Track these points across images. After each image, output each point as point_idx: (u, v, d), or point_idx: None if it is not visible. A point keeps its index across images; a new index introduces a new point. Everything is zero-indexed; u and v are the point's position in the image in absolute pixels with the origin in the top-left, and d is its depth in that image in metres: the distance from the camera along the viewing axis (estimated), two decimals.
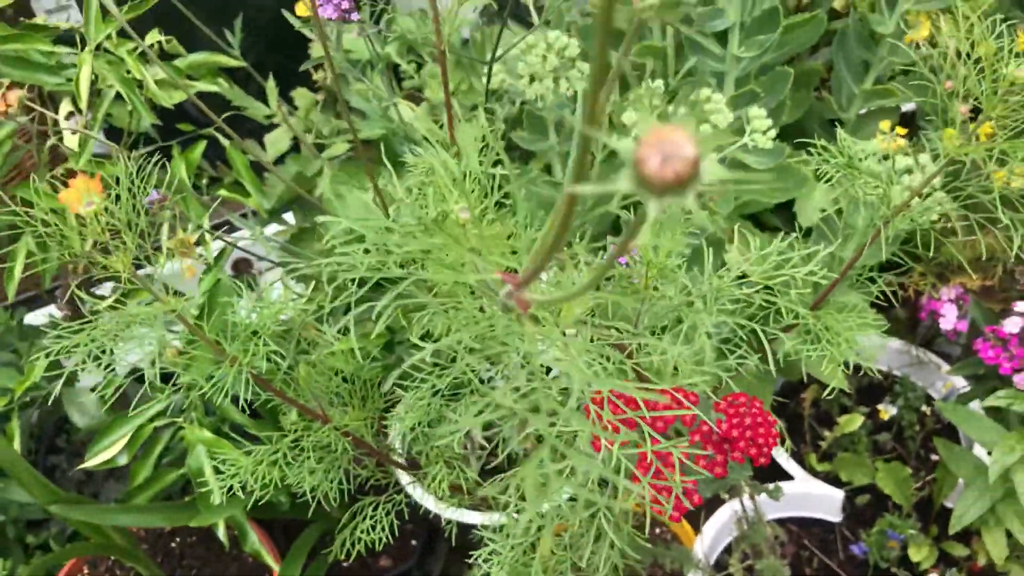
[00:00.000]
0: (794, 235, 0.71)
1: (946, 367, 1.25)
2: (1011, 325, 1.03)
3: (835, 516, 1.19)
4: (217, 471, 0.78)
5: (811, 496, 1.18)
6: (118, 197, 0.63)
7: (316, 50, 1.28)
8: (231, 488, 0.79)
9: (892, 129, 1.02)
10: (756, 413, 0.56)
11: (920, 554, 1.10)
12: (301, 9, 0.97)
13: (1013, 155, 0.62)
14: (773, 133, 0.80)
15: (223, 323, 0.71)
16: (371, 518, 0.83)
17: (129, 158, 0.65)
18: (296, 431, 0.75)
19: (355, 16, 0.74)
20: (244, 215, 1.56)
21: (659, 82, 0.82)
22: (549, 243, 0.29)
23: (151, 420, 1.03)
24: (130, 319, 0.60)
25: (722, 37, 0.89)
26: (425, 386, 0.69)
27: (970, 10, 1.12)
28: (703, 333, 0.54)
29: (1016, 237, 0.63)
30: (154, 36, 1.09)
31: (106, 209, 0.59)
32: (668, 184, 0.19)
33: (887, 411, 1.24)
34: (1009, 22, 0.65)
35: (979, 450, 1.12)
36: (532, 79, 0.88)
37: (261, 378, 0.67)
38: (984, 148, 0.64)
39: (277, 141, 1.26)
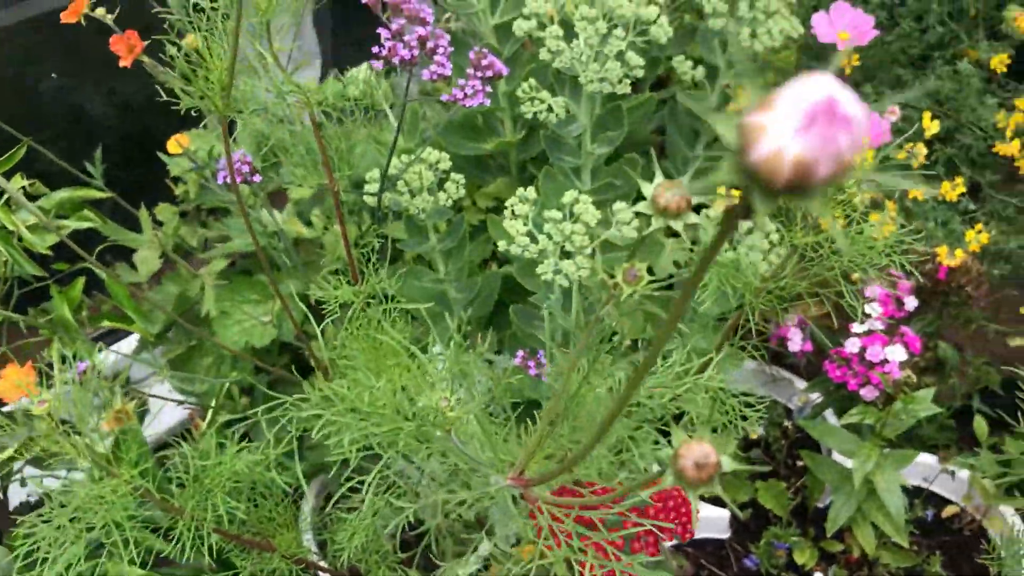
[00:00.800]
0: None
1: (798, 381, 1.40)
2: (851, 346, 1.17)
3: (725, 533, 1.31)
4: None
5: (701, 519, 1.29)
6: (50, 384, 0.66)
7: (175, 167, 1.30)
8: None
9: (727, 189, 1.14)
10: (676, 496, 0.65)
11: (804, 556, 1.23)
12: (174, 146, 1.00)
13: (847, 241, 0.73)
14: (636, 222, 0.90)
15: (165, 478, 0.74)
16: None
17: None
18: (247, 566, 0.79)
19: (257, 178, 0.79)
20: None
21: (531, 190, 0.90)
22: (560, 471, 0.37)
23: (69, 567, 1.03)
24: (98, 498, 0.63)
25: (576, 137, 0.98)
26: (367, 509, 0.75)
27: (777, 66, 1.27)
28: (625, 437, 0.62)
29: (858, 306, 0.74)
30: (19, 181, 1.09)
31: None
32: (701, 482, 0.27)
33: (755, 430, 1.37)
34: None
35: (838, 455, 1.26)
36: (412, 194, 0.95)
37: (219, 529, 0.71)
38: (822, 238, 0.75)
39: (147, 261, 1.28)
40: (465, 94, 0.73)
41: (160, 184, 1.43)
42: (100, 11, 0.78)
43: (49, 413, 0.63)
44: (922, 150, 1.13)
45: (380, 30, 0.75)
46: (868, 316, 1.21)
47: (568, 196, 0.87)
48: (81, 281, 1.12)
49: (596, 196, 1.03)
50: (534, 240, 0.87)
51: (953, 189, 1.10)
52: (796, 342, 1.31)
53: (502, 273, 1.12)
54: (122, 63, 0.74)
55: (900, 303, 1.21)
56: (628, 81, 0.85)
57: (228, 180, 0.75)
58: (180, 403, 1.19)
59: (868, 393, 1.17)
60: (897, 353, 1.15)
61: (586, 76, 0.84)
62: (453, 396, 0.44)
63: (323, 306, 0.90)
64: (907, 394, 1.07)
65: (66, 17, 0.78)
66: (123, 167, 1.55)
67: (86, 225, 1.15)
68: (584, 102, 0.93)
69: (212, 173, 1.00)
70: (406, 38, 0.73)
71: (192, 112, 1.20)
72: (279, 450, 0.70)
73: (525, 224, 0.88)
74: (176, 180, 1.37)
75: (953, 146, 1.25)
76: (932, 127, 1.15)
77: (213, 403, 1.10)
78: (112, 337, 1.49)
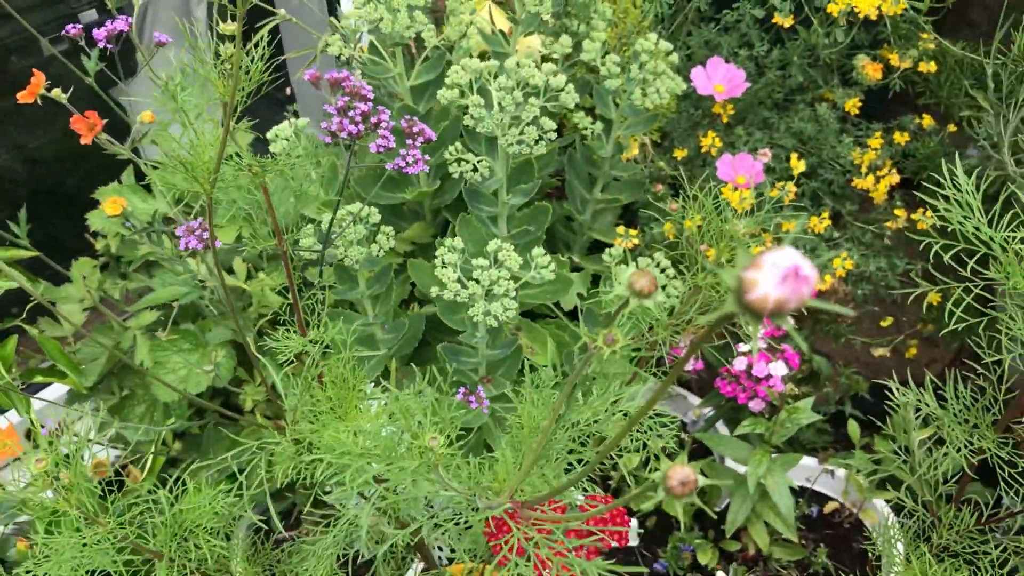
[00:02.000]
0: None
1: (691, 397, 1.53)
2: (739, 364, 1.31)
3: (634, 541, 1.42)
4: None
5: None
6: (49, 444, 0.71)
7: (95, 222, 1.34)
8: None
9: (626, 230, 1.26)
10: (613, 510, 0.75)
11: (706, 557, 1.36)
12: (112, 208, 1.05)
13: None
14: (553, 265, 1.01)
15: (139, 519, 0.80)
16: None
17: None
18: None
19: (218, 243, 0.85)
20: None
21: (458, 240, 0.99)
22: (552, 494, 0.46)
23: None
24: (89, 544, 0.69)
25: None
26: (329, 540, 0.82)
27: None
28: (569, 461, 0.72)
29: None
30: None
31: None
32: (684, 495, 0.37)
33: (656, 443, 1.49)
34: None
35: (731, 462, 1.39)
36: (346, 247, 1.03)
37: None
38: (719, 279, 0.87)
39: (71, 315, 1.31)
40: (407, 163, 0.82)
41: (74, 237, 1.46)
42: (56, 92, 0.83)
43: (46, 471, 0.68)
44: (792, 188, 1.28)
45: (326, 107, 0.83)
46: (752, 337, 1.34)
47: (492, 245, 0.97)
48: (14, 339, 1.16)
49: (513, 241, 1.13)
50: (464, 286, 0.96)
51: (820, 222, 1.25)
52: (689, 361, 1.44)
53: (425, 313, 1.21)
54: (83, 141, 0.80)
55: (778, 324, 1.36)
56: (544, 143, 0.95)
57: (190, 246, 0.82)
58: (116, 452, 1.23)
59: (756, 405, 1.31)
60: (779, 368, 1.29)
61: (506, 140, 0.94)
62: (442, 437, 0.53)
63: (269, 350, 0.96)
64: (791, 404, 1.21)
65: (23, 98, 0.83)
66: (35, 221, 1.57)
67: (13, 285, 1.18)
68: (500, 158, 1.03)
69: (151, 235, 1.06)
70: (351, 114, 0.81)
71: (102, 166, 1.24)
72: (252, 490, 0.76)
73: (455, 271, 0.97)
74: (95, 235, 1.40)
75: (817, 180, 1.41)
76: (799, 166, 1.30)
77: (152, 450, 1.15)
78: (27, 389, 1.50)
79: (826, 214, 1.28)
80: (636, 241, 1.24)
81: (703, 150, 1.30)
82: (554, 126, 0.95)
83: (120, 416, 1.24)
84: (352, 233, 1.00)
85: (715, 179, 1.27)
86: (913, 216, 1.36)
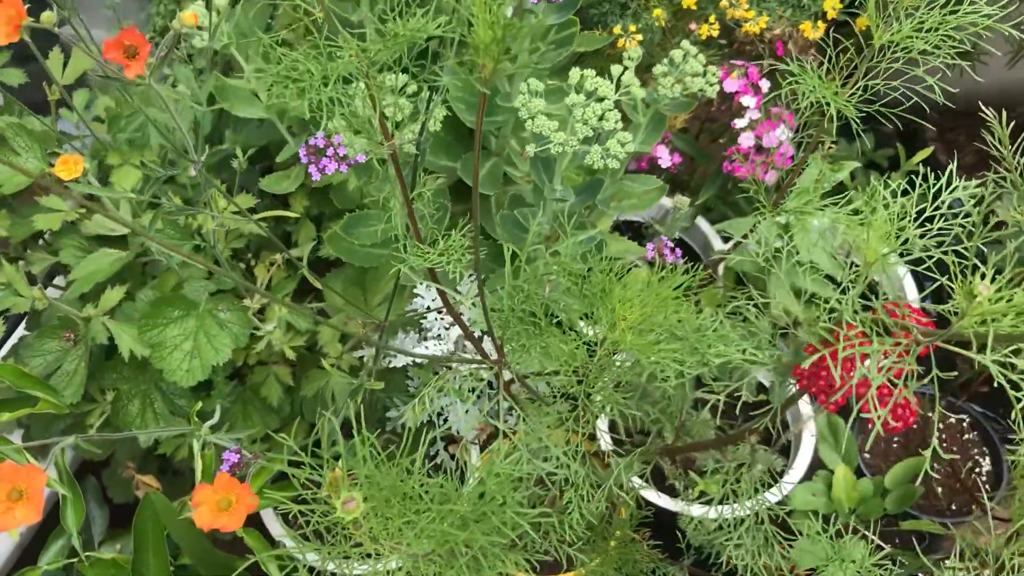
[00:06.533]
0: None
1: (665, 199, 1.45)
2: (746, 140, 1.23)
3: None
4: None
5: None
6: None
7: None
8: None
9: (624, 28, 1.13)
10: None
11: None
12: (69, 170, 0.78)
13: None
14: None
15: None
16: None
17: None
18: None
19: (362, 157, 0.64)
20: None
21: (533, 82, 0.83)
22: None
23: None
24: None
25: None
26: None
27: None
28: None
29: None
30: None
31: None
32: None
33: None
34: None
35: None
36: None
37: None
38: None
39: None
40: None
41: None
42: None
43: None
44: None
45: None
46: (745, 108, 1.27)
47: (615, 68, 0.83)
48: None
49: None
50: (570, 130, 0.81)
51: None
52: (665, 158, 1.35)
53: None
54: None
55: (757, 88, 1.29)
56: None
57: (327, 171, 0.60)
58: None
59: (770, 178, 1.25)
60: (784, 133, 1.23)
61: None
62: None
63: None
64: (833, 160, 1.16)
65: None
66: None
67: None
68: None
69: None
70: None
71: None
72: None
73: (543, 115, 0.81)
74: None
75: None
76: None
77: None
78: None
79: None
80: (639, 37, 1.11)
81: None
82: None
83: (118, 423, 0.99)
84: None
85: None
86: None
